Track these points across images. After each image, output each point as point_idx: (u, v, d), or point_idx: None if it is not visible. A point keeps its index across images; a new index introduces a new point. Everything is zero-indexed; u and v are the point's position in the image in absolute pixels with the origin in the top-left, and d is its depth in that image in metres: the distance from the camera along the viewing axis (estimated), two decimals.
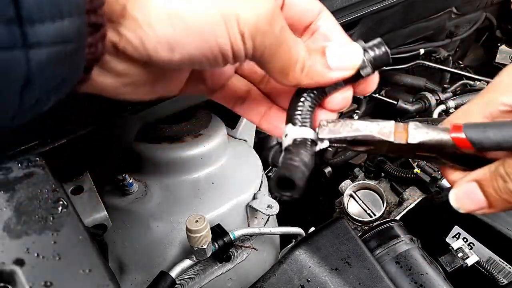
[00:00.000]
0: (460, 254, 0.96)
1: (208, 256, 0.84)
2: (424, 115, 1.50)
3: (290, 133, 0.40)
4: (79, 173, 0.68)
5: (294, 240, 1.02)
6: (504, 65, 1.66)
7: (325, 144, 0.41)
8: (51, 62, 0.28)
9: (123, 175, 0.88)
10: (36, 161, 0.53)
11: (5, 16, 0.25)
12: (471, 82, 1.57)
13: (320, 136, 0.40)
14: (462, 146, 0.37)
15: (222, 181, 0.95)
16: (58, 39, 0.28)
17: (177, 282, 0.83)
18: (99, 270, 0.44)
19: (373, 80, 0.43)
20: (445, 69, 1.58)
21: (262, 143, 1.24)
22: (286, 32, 0.37)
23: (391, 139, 0.39)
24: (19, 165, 0.52)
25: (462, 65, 1.78)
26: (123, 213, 0.88)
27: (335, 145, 0.41)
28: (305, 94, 0.41)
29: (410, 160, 1.31)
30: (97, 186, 0.67)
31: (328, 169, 1.46)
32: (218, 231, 0.87)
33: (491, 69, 1.73)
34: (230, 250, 0.92)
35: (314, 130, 0.41)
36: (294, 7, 0.42)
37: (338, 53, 0.40)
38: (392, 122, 0.40)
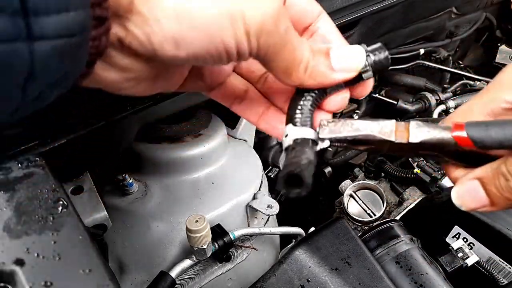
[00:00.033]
0: (460, 254, 0.96)
1: (208, 256, 0.84)
2: (424, 115, 1.50)
3: (291, 133, 0.40)
4: (79, 173, 0.68)
5: (294, 240, 1.02)
6: (504, 65, 1.66)
7: (326, 143, 0.41)
8: (55, 55, 0.28)
9: (123, 175, 0.88)
10: (36, 161, 0.53)
11: (10, 7, 0.25)
12: (471, 82, 1.57)
13: (320, 136, 0.40)
14: (464, 144, 0.37)
15: (222, 181, 0.95)
16: (63, 32, 0.28)
17: (177, 282, 0.83)
18: (99, 270, 0.44)
19: (369, 84, 0.43)
20: (445, 69, 1.58)
21: (262, 143, 1.24)
22: (291, 32, 0.37)
23: (392, 138, 0.39)
24: (19, 165, 0.52)
25: (462, 65, 1.78)
26: (123, 213, 0.88)
27: (336, 144, 0.41)
28: (306, 95, 0.41)
29: (410, 160, 1.31)
30: (97, 186, 0.67)
31: (328, 169, 1.47)
32: (218, 231, 0.87)
33: (491, 69, 1.73)
34: (230, 250, 0.92)
35: (314, 130, 0.41)
36: (294, 7, 0.42)
37: (342, 55, 0.40)
38: (393, 121, 0.40)
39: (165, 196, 0.91)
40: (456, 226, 1.04)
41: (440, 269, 0.93)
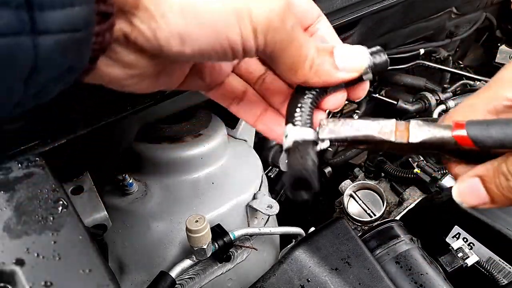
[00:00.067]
0: (460, 254, 0.96)
1: (208, 256, 0.84)
2: (424, 115, 1.50)
3: (291, 134, 0.40)
4: (79, 173, 0.68)
5: (294, 240, 1.02)
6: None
7: (326, 144, 0.41)
8: (58, 49, 0.28)
9: (123, 175, 0.88)
10: (36, 161, 0.53)
11: (15, 1, 0.25)
12: (471, 82, 1.57)
13: (320, 137, 0.40)
14: (464, 144, 0.37)
15: (222, 181, 0.95)
16: (67, 27, 0.28)
17: (177, 282, 0.83)
18: (99, 270, 0.44)
19: (366, 87, 0.44)
20: (445, 69, 1.58)
21: (262, 143, 1.24)
22: (297, 29, 0.37)
23: (392, 138, 0.39)
24: (19, 165, 0.52)
25: (462, 65, 1.78)
26: (123, 213, 0.88)
27: (336, 143, 0.41)
28: (306, 93, 0.41)
29: (410, 160, 1.31)
30: (97, 186, 0.67)
31: (328, 169, 1.47)
32: (218, 231, 0.87)
33: (491, 69, 1.73)
34: (230, 250, 0.92)
35: (314, 129, 0.41)
36: (295, 8, 0.42)
37: (346, 55, 0.40)
38: (393, 120, 0.40)
39: (165, 196, 0.91)
40: (456, 226, 1.04)
41: (440, 269, 0.93)
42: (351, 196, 1.28)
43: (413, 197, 1.24)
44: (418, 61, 1.52)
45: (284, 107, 0.45)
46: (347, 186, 1.29)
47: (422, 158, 1.29)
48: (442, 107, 1.45)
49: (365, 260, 0.82)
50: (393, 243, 0.94)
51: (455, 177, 0.42)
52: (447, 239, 1.06)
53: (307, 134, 0.40)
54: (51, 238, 0.46)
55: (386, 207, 1.24)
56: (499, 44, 1.75)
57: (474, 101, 0.41)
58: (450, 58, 1.63)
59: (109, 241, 0.88)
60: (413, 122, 0.39)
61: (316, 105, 0.42)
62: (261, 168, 1.04)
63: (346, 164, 1.51)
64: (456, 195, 0.41)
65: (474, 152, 0.38)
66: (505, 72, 0.40)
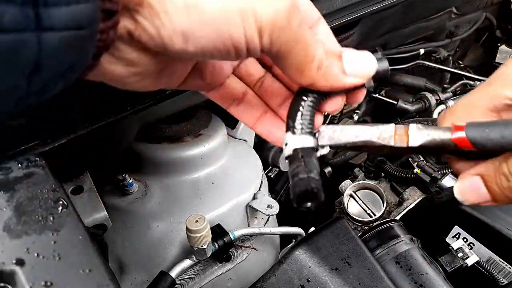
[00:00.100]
0: (460, 254, 0.96)
1: (208, 256, 0.84)
2: (424, 115, 1.50)
3: (290, 143, 0.40)
4: (79, 173, 0.68)
5: (294, 240, 1.02)
6: None
7: (325, 150, 0.41)
8: (62, 46, 0.28)
9: (123, 175, 0.88)
10: (36, 161, 0.53)
11: None
12: (471, 82, 1.57)
13: (320, 143, 0.40)
14: (464, 146, 0.37)
15: (222, 181, 0.95)
16: (71, 24, 0.28)
17: (177, 282, 0.83)
18: (99, 270, 0.44)
19: (364, 91, 0.43)
20: (445, 69, 1.58)
21: (262, 143, 1.24)
22: (304, 29, 0.36)
23: (391, 143, 0.39)
24: (19, 165, 0.52)
25: (462, 65, 1.78)
26: (123, 213, 0.88)
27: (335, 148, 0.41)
28: (307, 98, 0.41)
29: (410, 160, 1.31)
30: (97, 186, 0.67)
31: (328, 169, 1.47)
32: (218, 231, 0.87)
33: (491, 69, 1.71)
34: (230, 250, 0.92)
35: (314, 134, 0.41)
36: (299, 8, 0.42)
37: (355, 60, 0.40)
38: (392, 125, 0.39)
39: (165, 196, 0.91)
40: (456, 226, 1.04)
41: (440, 269, 0.93)
42: (351, 196, 1.28)
43: (413, 197, 1.24)
44: (418, 61, 1.52)
45: (282, 109, 0.45)
46: (347, 186, 1.29)
47: (422, 158, 1.29)
48: (442, 107, 1.45)
49: (365, 260, 0.82)
50: (393, 243, 0.94)
51: (457, 173, 0.42)
52: (447, 239, 1.06)
53: (307, 141, 0.39)
54: (51, 238, 0.46)
55: (386, 207, 1.24)
56: (499, 44, 1.75)
57: (474, 98, 0.40)
58: (450, 58, 1.63)
59: (109, 241, 0.88)
60: (412, 126, 0.39)
61: (317, 109, 0.42)
62: (261, 168, 1.04)
63: (346, 164, 1.51)
64: (457, 193, 0.41)
65: (474, 152, 0.38)
66: (506, 69, 0.40)
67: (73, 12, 0.27)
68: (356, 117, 1.56)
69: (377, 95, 1.54)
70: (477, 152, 0.37)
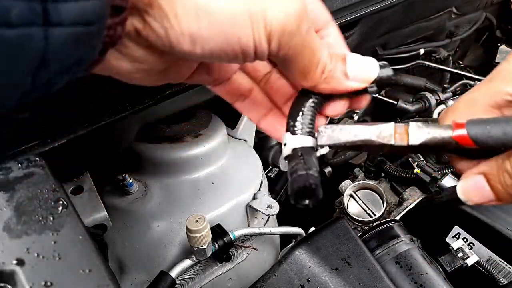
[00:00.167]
0: (460, 254, 0.96)
1: (208, 256, 0.84)
2: (424, 115, 1.50)
3: (289, 143, 0.40)
4: (79, 173, 0.68)
5: (294, 240, 1.02)
6: None
7: (325, 150, 0.41)
8: (69, 42, 0.28)
9: (123, 175, 0.88)
10: (36, 161, 0.53)
11: None
12: (471, 82, 1.57)
13: (319, 143, 0.40)
14: (465, 144, 0.36)
15: (222, 181, 0.95)
16: (80, 20, 0.27)
17: (177, 282, 0.83)
18: (99, 270, 0.45)
19: (368, 97, 0.43)
20: (445, 69, 1.58)
21: (262, 143, 1.24)
22: (311, 33, 0.36)
23: (392, 142, 0.39)
24: (19, 165, 0.52)
25: (462, 65, 1.78)
26: (123, 213, 0.88)
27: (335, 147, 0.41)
28: (309, 100, 0.41)
29: (410, 160, 1.31)
30: (97, 186, 0.67)
31: (328, 169, 1.47)
32: (218, 231, 0.87)
33: (491, 69, 1.72)
34: (230, 250, 0.92)
35: (314, 135, 0.41)
36: (308, 11, 0.41)
37: (357, 64, 0.40)
38: (392, 124, 0.39)
39: (165, 196, 0.91)
40: (456, 226, 1.04)
41: (440, 269, 0.93)
42: (351, 196, 1.28)
43: (413, 197, 1.25)
44: (418, 61, 1.52)
45: (287, 106, 0.45)
46: (347, 186, 1.29)
47: (422, 158, 1.29)
48: (442, 107, 1.45)
49: (365, 260, 0.82)
50: (393, 243, 0.94)
51: (459, 172, 0.42)
52: (447, 239, 1.06)
53: (306, 141, 0.40)
54: (51, 238, 0.46)
55: (386, 207, 1.24)
56: (499, 44, 1.75)
57: (475, 95, 0.40)
58: (450, 58, 1.63)
59: (109, 241, 0.88)
60: (412, 124, 0.39)
61: (318, 110, 0.42)
62: (261, 168, 1.04)
63: (346, 164, 1.51)
64: (460, 193, 0.40)
65: (476, 150, 0.38)
66: (507, 65, 0.39)
67: (82, 8, 0.27)
68: (356, 117, 1.56)
69: (377, 95, 1.54)
70: (479, 149, 0.37)
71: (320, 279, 0.80)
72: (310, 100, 0.41)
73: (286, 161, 0.39)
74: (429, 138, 0.38)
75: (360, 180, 1.36)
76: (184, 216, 0.84)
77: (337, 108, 0.43)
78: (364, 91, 0.41)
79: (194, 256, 0.84)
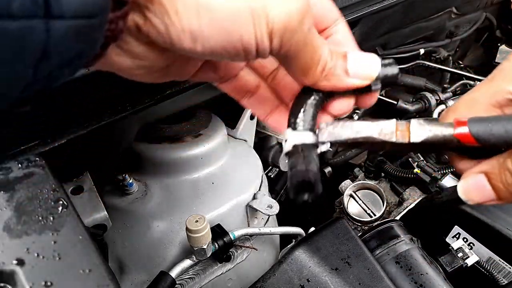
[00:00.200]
0: (460, 254, 0.96)
1: (208, 256, 0.84)
2: (424, 115, 1.50)
3: (290, 139, 0.40)
4: (79, 173, 0.68)
5: (294, 240, 1.02)
6: None
7: (326, 146, 0.40)
8: (71, 35, 0.28)
9: (123, 175, 0.88)
10: (36, 161, 0.53)
11: None
12: (471, 82, 1.57)
13: (320, 140, 0.40)
14: (467, 142, 0.36)
15: (222, 181, 0.95)
16: (81, 13, 0.27)
17: (177, 282, 0.83)
18: (99, 270, 0.45)
19: (375, 95, 0.43)
20: (445, 69, 1.58)
21: (262, 143, 1.24)
22: (313, 31, 0.36)
23: (393, 139, 0.39)
24: (19, 165, 0.52)
25: (462, 65, 1.78)
26: (123, 213, 0.88)
27: (336, 145, 0.41)
28: (311, 96, 0.41)
29: (410, 160, 1.31)
30: (97, 186, 0.67)
31: (328, 169, 1.47)
32: (218, 231, 0.87)
33: (491, 69, 1.71)
34: (230, 250, 0.92)
35: (315, 132, 0.41)
36: (314, 8, 0.41)
37: (358, 61, 0.40)
38: (393, 121, 0.39)
39: (165, 196, 0.91)
40: (456, 226, 1.04)
41: (440, 269, 0.93)
42: (351, 196, 1.28)
43: (413, 197, 1.25)
44: (418, 61, 1.52)
45: None
46: (347, 186, 1.29)
47: (422, 158, 1.29)
48: (442, 107, 1.45)
49: (365, 260, 0.82)
50: (393, 243, 0.94)
51: (460, 172, 0.41)
52: (447, 239, 1.06)
53: (307, 138, 0.39)
54: (51, 238, 0.46)
55: (386, 207, 1.24)
56: (499, 44, 1.75)
57: (476, 94, 0.40)
58: (450, 58, 1.63)
59: (109, 241, 0.88)
60: (414, 122, 0.39)
61: (321, 108, 0.42)
62: (261, 168, 1.04)
63: (346, 164, 1.51)
64: (461, 193, 0.40)
65: (477, 149, 0.38)
66: (508, 64, 0.39)
67: (83, 1, 0.27)
68: (356, 117, 1.56)
69: None
70: (480, 148, 0.37)
71: (320, 279, 0.80)
72: (312, 97, 0.41)
73: (287, 157, 0.39)
74: (431, 135, 0.38)
75: (360, 180, 1.36)
76: (184, 216, 0.84)
77: (342, 106, 0.42)
78: (368, 88, 0.41)
79: (194, 256, 0.84)
